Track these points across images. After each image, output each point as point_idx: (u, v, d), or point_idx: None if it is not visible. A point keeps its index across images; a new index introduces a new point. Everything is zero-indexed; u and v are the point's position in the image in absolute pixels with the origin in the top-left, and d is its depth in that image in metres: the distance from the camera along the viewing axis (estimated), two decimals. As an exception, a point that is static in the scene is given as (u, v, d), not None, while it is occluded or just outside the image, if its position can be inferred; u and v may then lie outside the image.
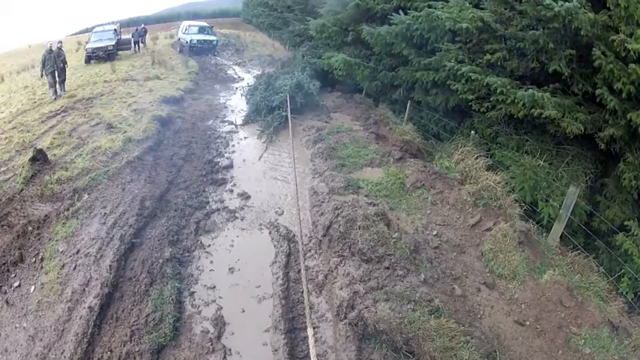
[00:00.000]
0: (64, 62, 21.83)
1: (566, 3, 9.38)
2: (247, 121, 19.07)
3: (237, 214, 11.60)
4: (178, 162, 14.34)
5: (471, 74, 11.65)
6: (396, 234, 9.41)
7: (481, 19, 11.59)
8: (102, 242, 9.54)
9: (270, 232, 10.85)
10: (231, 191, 12.84)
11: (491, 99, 11.46)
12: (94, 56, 31.26)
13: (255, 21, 42.62)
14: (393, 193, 12.01)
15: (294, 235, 10.56)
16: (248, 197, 12.49)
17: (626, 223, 9.21)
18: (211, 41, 35.83)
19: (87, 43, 33.16)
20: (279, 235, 10.62)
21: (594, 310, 8.01)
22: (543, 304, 8.23)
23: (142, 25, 39.83)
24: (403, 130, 15.67)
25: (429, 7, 13.58)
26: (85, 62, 30.79)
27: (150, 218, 10.82)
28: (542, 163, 10.86)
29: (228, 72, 30.45)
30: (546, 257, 9.40)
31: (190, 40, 35.03)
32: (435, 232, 10.17)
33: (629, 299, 8.62)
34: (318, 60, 22.19)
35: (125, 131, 15.61)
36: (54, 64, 20.85)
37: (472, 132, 13.16)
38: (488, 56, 11.66)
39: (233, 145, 16.38)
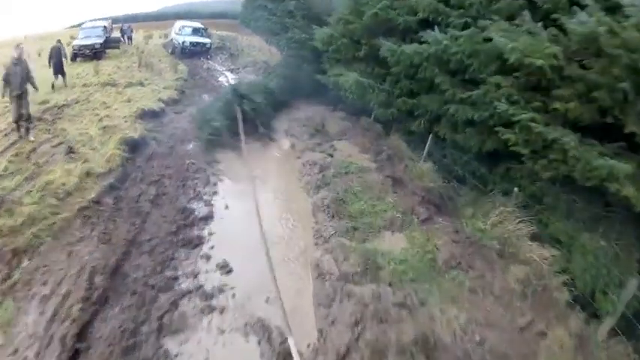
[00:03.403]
0: (65, 57, 21.10)
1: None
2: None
3: (214, 302, 8.20)
4: (145, 207, 10.90)
5: (531, 125, 8.81)
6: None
7: (555, 56, 8.55)
8: (40, 344, 6.95)
9: (258, 342, 7.46)
10: (208, 259, 9.37)
11: (551, 157, 8.90)
12: (80, 54, 27.98)
13: (252, 25, 39.14)
14: (422, 275, 8.93)
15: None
16: (230, 271, 9.04)
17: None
18: (205, 44, 32.54)
19: (74, 39, 30.11)
20: (271, 349, 7.28)
21: None
22: None
23: (128, 25, 38.12)
24: (422, 171, 12.55)
25: (475, 25, 10.56)
26: (71, 60, 27.22)
27: (100, 305, 7.76)
28: (602, 243, 8.45)
29: (219, 79, 26.71)
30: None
31: (183, 42, 31.65)
32: (477, 338, 7.56)
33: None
34: (323, 76, 18.45)
35: (86, 159, 12.44)
36: (21, 83, 13.37)
37: (515, 189, 10.20)
38: (558, 104, 8.77)
39: (215, 184, 12.73)
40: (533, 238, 9.35)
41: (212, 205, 11.45)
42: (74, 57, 27.41)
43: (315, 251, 9.55)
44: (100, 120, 15.83)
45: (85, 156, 12.68)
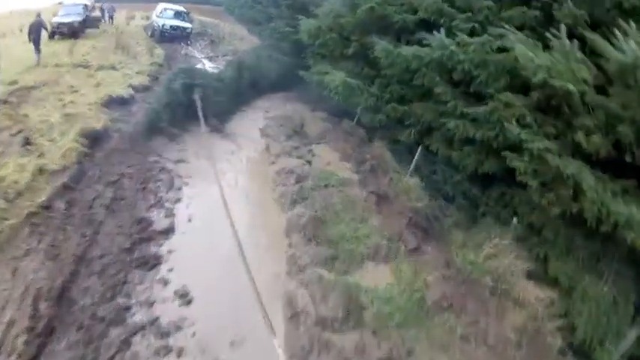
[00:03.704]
0: (46, 29, 20.61)
1: None
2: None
3: (171, 341, 6.92)
4: (99, 213, 9.53)
5: (546, 155, 7.62)
6: None
7: (585, 81, 7.33)
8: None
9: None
10: (166, 284, 8.01)
11: (560, 192, 7.79)
12: (58, 32, 26.16)
13: (236, 12, 37.37)
14: (410, 318, 7.76)
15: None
16: (190, 301, 7.70)
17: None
18: (185, 28, 30.43)
19: (54, 16, 27.87)
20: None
21: None
22: None
23: (111, 5, 36.04)
24: (408, 187, 11.18)
25: (484, 32, 9.32)
26: (49, 37, 25.52)
27: (45, 337, 6.64)
28: (605, 289, 7.74)
29: (197, 66, 24.15)
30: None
31: (163, 25, 29.59)
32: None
33: None
34: (306, 73, 16.81)
35: (41, 153, 11.09)
36: None
37: (514, 220, 9.07)
38: (580, 135, 7.57)
39: (179, 188, 11.18)
40: (529, 275, 8.34)
41: (174, 215, 10.02)
42: (52, 35, 25.73)
43: (288, 282, 8.16)
44: (64, 106, 14.35)
45: (41, 148, 11.36)
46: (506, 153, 8.39)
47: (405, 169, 12.06)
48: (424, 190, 11.12)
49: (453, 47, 9.34)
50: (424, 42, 10.42)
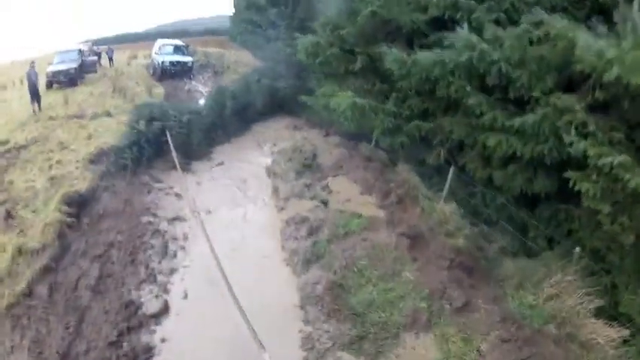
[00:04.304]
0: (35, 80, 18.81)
1: None
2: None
3: None
4: (84, 297, 8.43)
5: (621, 172, 6.14)
6: None
7: None
8: None
9: None
10: None
11: (636, 215, 6.66)
12: (55, 81, 24.79)
13: (239, 39, 36.79)
14: None
15: None
16: None
17: None
18: (186, 63, 29.03)
19: (49, 64, 26.43)
20: None
21: None
22: None
23: (108, 46, 35.79)
24: (444, 216, 9.39)
25: (509, 21, 8.27)
26: (47, 87, 24.17)
27: None
28: None
29: (200, 102, 22.59)
30: None
31: (162, 62, 28.19)
32: None
33: None
34: (309, 98, 15.21)
35: (22, 229, 10.15)
36: None
37: (577, 249, 7.74)
38: None
39: (174, 255, 9.68)
40: (598, 312, 7.19)
41: (168, 291, 8.57)
42: (50, 84, 24.49)
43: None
44: (51, 167, 13.26)
45: (23, 222, 10.45)
46: (570, 174, 6.83)
47: (437, 194, 10.33)
48: (462, 218, 9.40)
49: (483, 45, 7.77)
50: (446, 43, 8.89)
